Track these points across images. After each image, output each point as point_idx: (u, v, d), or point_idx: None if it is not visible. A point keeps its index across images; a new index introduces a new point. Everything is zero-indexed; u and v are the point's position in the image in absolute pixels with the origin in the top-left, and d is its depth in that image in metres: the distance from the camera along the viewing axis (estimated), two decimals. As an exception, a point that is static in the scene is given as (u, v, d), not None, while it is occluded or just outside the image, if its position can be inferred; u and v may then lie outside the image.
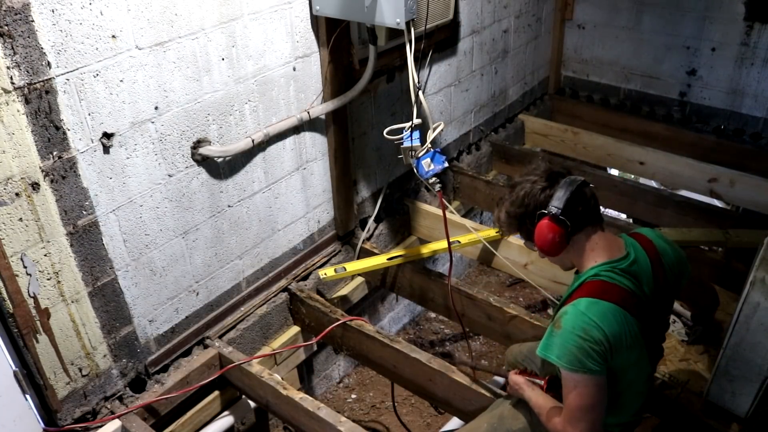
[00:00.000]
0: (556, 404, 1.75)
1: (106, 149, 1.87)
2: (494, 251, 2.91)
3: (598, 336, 1.56)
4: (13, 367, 1.86)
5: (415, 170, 2.32)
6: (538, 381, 1.89)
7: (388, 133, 2.36)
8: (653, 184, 3.88)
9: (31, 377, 1.89)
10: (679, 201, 3.27)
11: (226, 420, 2.47)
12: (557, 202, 1.65)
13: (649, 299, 1.69)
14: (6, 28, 1.55)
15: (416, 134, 2.27)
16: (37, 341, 1.85)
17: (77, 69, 1.73)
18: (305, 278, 2.77)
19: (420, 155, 2.29)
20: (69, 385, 1.98)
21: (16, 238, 1.72)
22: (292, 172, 2.55)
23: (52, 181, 1.76)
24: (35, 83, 1.65)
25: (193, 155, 2.13)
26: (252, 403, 2.54)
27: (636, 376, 1.71)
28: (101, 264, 1.96)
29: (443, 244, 2.73)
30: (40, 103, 1.67)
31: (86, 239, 1.90)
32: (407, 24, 2.09)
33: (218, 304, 2.43)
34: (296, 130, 2.50)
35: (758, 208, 3.39)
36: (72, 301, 1.91)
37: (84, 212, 1.87)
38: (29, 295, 1.79)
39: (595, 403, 1.61)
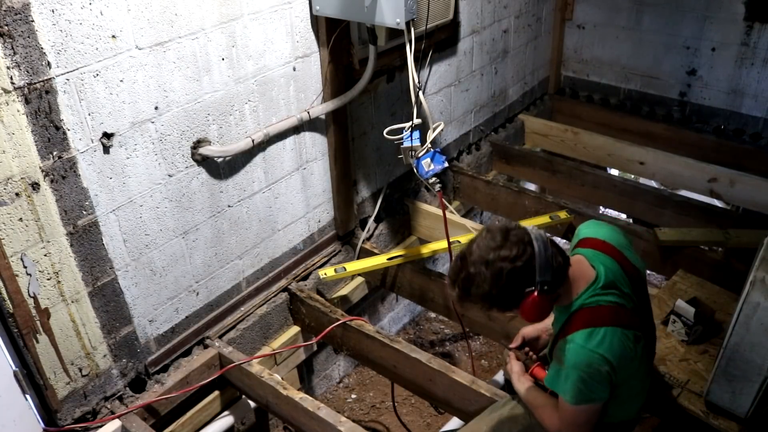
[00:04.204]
0: (549, 401, 1.76)
1: (106, 149, 1.87)
2: (494, 251, 2.90)
3: (603, 368, 1.56)
4: (13, 367, 1.86)
5: (415, 170, 2.32)
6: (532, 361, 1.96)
7: (388, 133, 2.36)
8: (653, 184, 3.88)
9: (31, 377, 1.89)
10: (679, 201, 3.26)
11: (226, 420, 2.47)
12: (540, 273, 1.53)
13: (632, 297, 1.69)
14: (6, 28, 1.55)
15: (416, 134, 2.27)
16: (37, 341, 1.85)
17: (77, 69, 1.73)
18: (305, 278, 2.77)
19: (420, 155, 2.29)
20: (69, 385, 1.98)
21: (16, 238, 1.72)
22: (292, 172, 2.55)
23: (52, 181, 1.76)
24: (35, 83, 1.65)
25: (193, 155, 2.13)
26: (252, 403, 2.54)
27: (638, 381, 1.72)
28: (101, 264, 1.96)
29: (443, 244, 2.73)
30: (40, 103, 1.67)
31: (86, 239, 1.90)
32: (407, 24, 2.09)
33: (218, 304, 2.43)
34: (296, 130, 2.50)
35: (758, 208, 3.39)
36: (72, 301, 1.91)
37: (84, 212, 1.87)
38: (29, 295, 1.79)
39: (590, 422, 1.66)
